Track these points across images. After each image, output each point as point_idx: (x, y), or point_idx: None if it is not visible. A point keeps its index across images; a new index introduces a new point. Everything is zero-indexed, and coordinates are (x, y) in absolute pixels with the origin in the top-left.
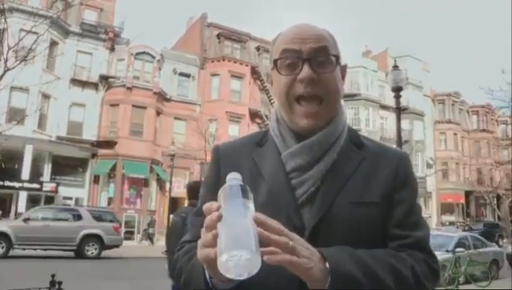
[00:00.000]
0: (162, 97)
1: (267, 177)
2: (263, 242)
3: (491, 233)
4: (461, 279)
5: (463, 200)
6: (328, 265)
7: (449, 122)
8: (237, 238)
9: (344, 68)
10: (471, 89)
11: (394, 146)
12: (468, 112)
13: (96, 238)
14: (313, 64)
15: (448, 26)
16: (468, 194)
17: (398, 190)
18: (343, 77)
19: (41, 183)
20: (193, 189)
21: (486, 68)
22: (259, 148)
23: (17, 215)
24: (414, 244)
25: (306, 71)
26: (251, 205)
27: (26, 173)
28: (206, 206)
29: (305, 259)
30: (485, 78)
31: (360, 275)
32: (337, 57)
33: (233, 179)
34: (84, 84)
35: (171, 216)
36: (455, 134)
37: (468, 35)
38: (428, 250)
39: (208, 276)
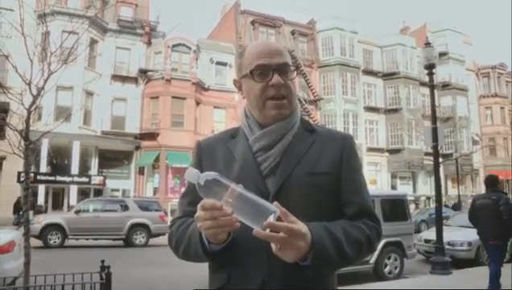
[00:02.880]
0: (200, 86)
1: (238, 158)
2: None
3: None
4: (506, 257)
5: None
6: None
7: (495, 95)
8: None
9: (296, 68)
10: None
11: (429, 123)
12: None
13: (143, 227)
14: (280, 74)
15: None
16: None
17: (345, 163)
18: (295, 76)
19: (89, 176)
20: None
21: None
22: (232, 139)
23: (69, 208)
24: (365, 212)
25: (276, 78)
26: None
27: (75, 168)
28: (210, 204)
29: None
30: None
31: (335, 256)
32: (296, 67)
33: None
34: (124, 79)
35: None
36: (502, 107)
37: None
38: (375, 216)
39: (206, 241)
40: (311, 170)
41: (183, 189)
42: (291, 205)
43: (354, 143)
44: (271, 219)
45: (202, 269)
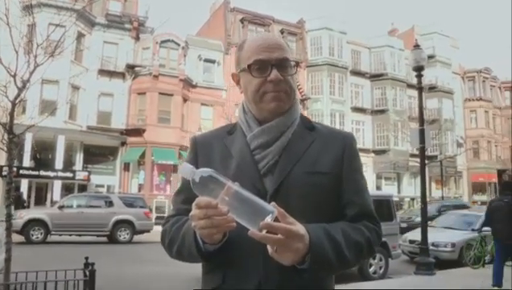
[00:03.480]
0: (188, 83)
1: (235, 155)
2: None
3: None
4: (487, 259)
5: (495, 180)
6: (310, 251)
7: (480, 99)
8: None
9: (296, 64)
10: (504, 64)
11: (415, 124)
12: (500, 88)
13: (127, 224)
14: (279, 69)
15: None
16: (500, 173)
17: (346, 163)
18: (295, 71)
19: (74, 172)
20: None
21: None
22: (229, 135)
23: (52, 203)
24: (366, 214)
25: (275, 74)
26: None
27: (59, 163)
28: (205, 202)
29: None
30: None
31: (333, 258)
32: (296, 63)
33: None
34: (111, 74)
35: None
36: (486, 111)
37: (497, 7)
38: (376, 218)
39: (200, 241)
40: (311, 169)
41: (168, 186)
42: (289, 205)
43: (355, 143)
44: (268, 220)
45: (190, 267)
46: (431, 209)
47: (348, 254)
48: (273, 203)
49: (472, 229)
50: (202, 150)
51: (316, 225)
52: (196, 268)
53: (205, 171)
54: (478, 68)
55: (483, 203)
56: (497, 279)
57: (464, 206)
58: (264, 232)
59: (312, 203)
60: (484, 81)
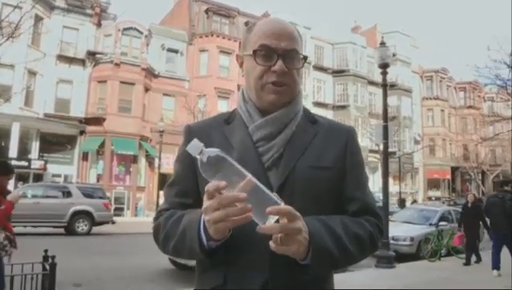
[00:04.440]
0: (150, 73)
1: (237, 147)
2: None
3: None
4: (443, 252)
5: (449, 176)
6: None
7: (437, 98)
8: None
9: (304, 58)
10: (458, 66)
11: (381, 121)
12: (455, 88)
13: (86, 215)
14: (285, 60)
15: (436, 2)
16: (454, 170)
17: (348, 157)
18: (302, 65)
19: (29, 160)
20: None
21: (473, 45)
22: (227, 125)
23: None
24: (368, 209)
25: (280, 64)
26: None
27: (13, 151)
28: (213, 186)
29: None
30: (472, 55)
31: (335, 250)
32: (304, 57)
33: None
34: (71, 60)
35: (161, 192)
36: (442, 110)
37: (456, 11)
38: (377, 213)
39: (204, 237)
40: (315, 163)
41: (127, 177)
42: (294, 200)
43: (357, 136)
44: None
45: (152, 258)
46: None
47: (349, 246)
48: (274, 193)
49: (430, 224)
50: (199, 139)
51: (310, 217)
52: (161, 256)
53: (212, 151)
54: (436, 68)
55: (437, 198)
56: (495, 263)
57: None
58: (272, 221)
59: (316, 198)
60: (441, 81)
